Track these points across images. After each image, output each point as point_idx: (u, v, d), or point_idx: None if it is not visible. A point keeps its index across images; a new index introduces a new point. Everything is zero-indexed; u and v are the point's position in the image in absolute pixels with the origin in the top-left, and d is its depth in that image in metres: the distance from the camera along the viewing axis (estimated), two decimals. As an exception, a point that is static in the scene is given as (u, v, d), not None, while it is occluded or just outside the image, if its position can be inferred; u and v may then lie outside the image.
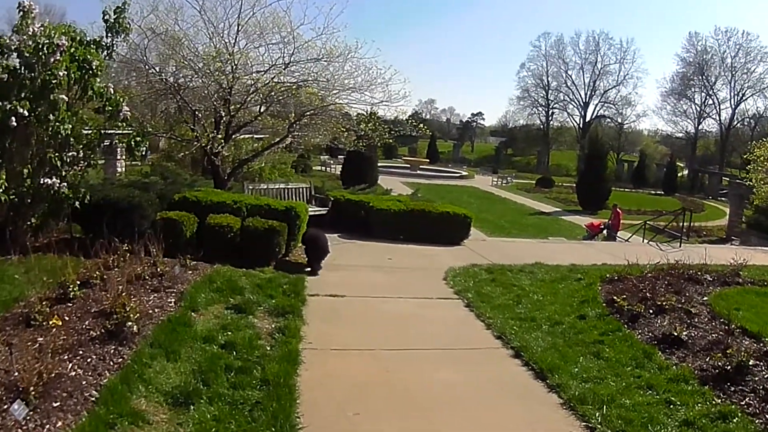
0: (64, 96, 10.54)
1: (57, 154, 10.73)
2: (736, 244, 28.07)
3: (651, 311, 10.13)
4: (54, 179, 10.66)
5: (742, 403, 7.20)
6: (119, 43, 12.78)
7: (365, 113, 20.52)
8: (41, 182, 10.53)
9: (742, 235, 32.07)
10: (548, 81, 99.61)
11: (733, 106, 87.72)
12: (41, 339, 6.96)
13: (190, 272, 10.44)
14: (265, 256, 12.60)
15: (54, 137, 10.64)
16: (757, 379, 7.67)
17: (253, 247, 12.48)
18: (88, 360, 6.75)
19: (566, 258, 15.76)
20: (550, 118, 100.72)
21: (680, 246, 21.79)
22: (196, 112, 18.03)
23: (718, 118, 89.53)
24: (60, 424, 5.50)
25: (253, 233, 12.54)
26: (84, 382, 6.25)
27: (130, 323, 7.43)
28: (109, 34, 11.72)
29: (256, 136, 23.17)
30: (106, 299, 8.06)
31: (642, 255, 14.19)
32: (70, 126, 10.76)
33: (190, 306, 8.84)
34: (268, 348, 7.99)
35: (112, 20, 11.65)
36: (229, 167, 19.51)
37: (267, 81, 17.28)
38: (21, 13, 10.40)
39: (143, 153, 12.28)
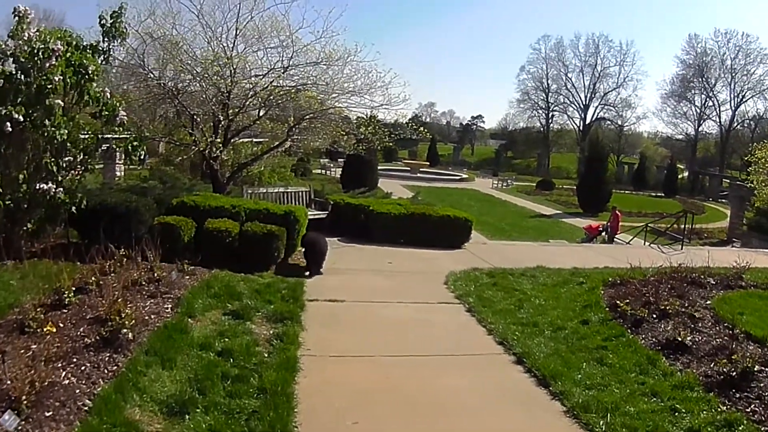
0: (59, 101, 10.45)
1: (53, 160, 10.65)
2: (737, 246, 27.98)
3: (654, 316, 9.99)
4: (50, 184, 10.57)
5: (748, 410, 7.07)
6: (117, 48, 12.70)
7: (365, 117, 20.51)
8: (37, 187, 10.44)
9: (743, 237, 31.95)
10: (548, 84, 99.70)
11: (733, 108, 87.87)
12: (35, 346, 6.85)
13: (188, 277, 10.33)
14: (264, 261, 12.51)
15: (50, 142, 10.56)
16: (762, 385, 7.53)
17: (251, 251, 12.39)
18: (82, 368, 6.65)
19: (568, 261, 15.66)
20: (550, 121, 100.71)
21: (682, 248, 21.70)
22: (195, 117, 17.95)
23: (718, 120, 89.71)
24: (52, 434, 5.39)
25: (252, 238, 12.47)
26: (77, 391, 6.16)
27: (125, 330, 7.34)
28: (106, 39, 11.63)
29: (255, 139, 23.08)
30: (102, 305, 7.94)
31: (644, 258, 14.09)
32: (66, 131, 10.66)
33: (186, 312, 8.71)
34: (266, 355, 7.87)
35: (109, 25, 11.56)
36: (228, 171, 19.44)
37: (266, 85, 17.22)
38: (17, 18, 10.32)
39: (141, 157, 12.18)
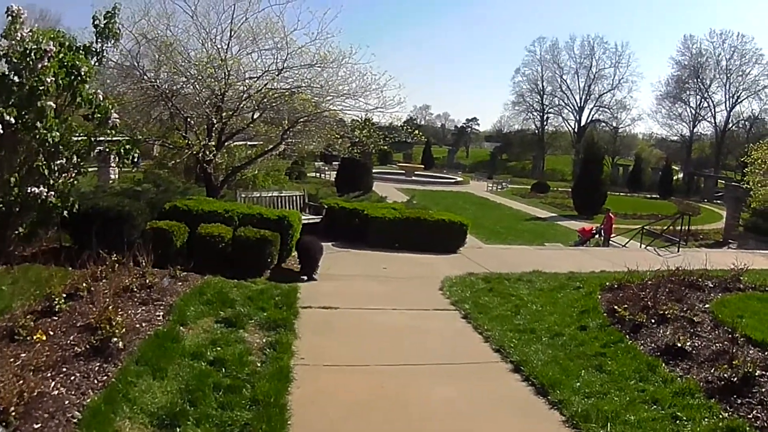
0: (51, 103, 10.30)
1: (45, 162, 10.50)
2: (734, 248, 28.01)
3: (653, 321, 9.88)
4: (42, 188, 10.42)
5: (750, 416, 6.97)
6: (111, 49, 12.58)
7: (360, 120, 20.37)
8: (29, 191, 10.30)
9: (740, 238, 31.99)
10: (543, 86, 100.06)
11: (728, 109, 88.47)
12: (24, 355, 6.75)
13: (180, 284, 10.20)
14: (257, 267, 12.40)
15: (42, 145, 10.41)
16: (764, 390, 7.41)
17: (244, 257, 12.28)
18: (72, 378, 6.54)
19: (564, 265, 15.56)
20: (545, 123, 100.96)
21: (678, 251, 21.66)
22: (189, 119, 17.83)
23: (713, 121, 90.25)
24: (40, 447, 5.28)
25: (245, 243, 12.35)
26: (66, 402, 6.04)
27: (115, 339, 7.24)
28: (99, 40, 11.49)
29: (249, 143, 23.00)
30: (93, 313, 7.84)
31: (641, 261, 13.95)
32: (59, 133, 10.52)
33: (178, 320, 8.58)
34: (259, 364, 7.72)
35: (102, 25, 11.42)
36: (222, 175, 19.34)
37: (260, 87, 17.13)
38: (9, 17, 10.18)
39: (134, 160, 12.05)
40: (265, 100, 17.34)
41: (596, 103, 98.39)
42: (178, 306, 9.04)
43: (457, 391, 7.70)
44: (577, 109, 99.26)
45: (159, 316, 8.66)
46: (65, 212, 11.02)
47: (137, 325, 8.12)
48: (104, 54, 11.81)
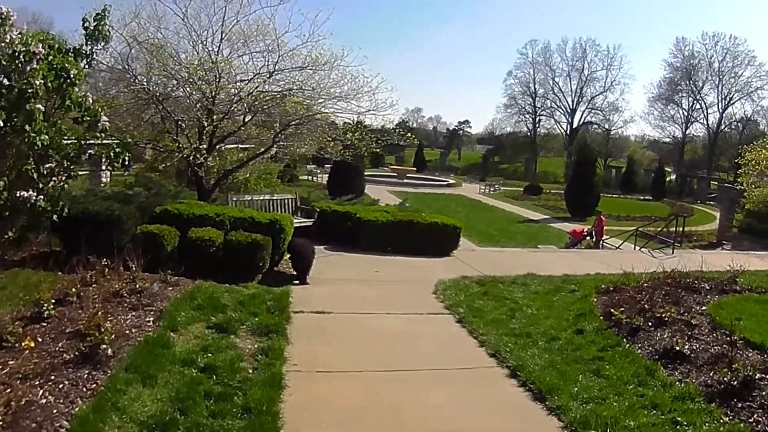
0: (40, 106, 10.15)
1: (34, 166, 10.36)
2: (728, 249, 27.97)
3: (650, 324, 9.81)
4: (30, 192, 10.27)
5: (751, 420, 6.91)
6: (102, 53, 12.43)
7: (352, 122, 20.26)
8: (18, 195, 10.16)
9: (734, 239, 31.91)
10: (535, 88, 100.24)
11: (720, 110, 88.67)
12: (12, 362, 6.65)
13: (171, 288, 10.09)
14: (249, 271, 12.27)
15: (31, 148, 10.27)
16: (765, 393, 7.36)
17: (236, 261, 12.15)
18: (60, 386, 6.46)
19: (558, 268, 15.51)
20: (537, 125, 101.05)
21: (673, 252, 21.66)
22: (180, 122, 17.67)
23: (705, 123, 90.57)
24: (26, 458, 5.18)
25: (236, 247, 12.23)
26: (55, 411, 5.96)
27: (104, 346, 7.15)
28: (89, 42, 11.36)
29: (241, 146, 22.85)
30: (82, 319, 7.76)
31: (635, 263, 13.91)
32: (48, 137, 10.36)
33: (169, 325, 8.47)
34: (251, 371, 7.59)
35: (92, 27, 11.28)
36: (214, 178, 19.18)
37: (251, 90, 16.99)
38: (-1, 19, 10.04)
39: (124, 163, 11.93)
40: (257, 102, 17.23)
41: (588, 106, 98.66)
42: (168, 311, 8.92)
43: (452, 397, 7.59)
44: (569, 111, 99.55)
45: (149, 321, 8.55)
46: (55, 216, 10.86)
47: (127, 331, 8.03)
48: (94, 56, 11.65)
